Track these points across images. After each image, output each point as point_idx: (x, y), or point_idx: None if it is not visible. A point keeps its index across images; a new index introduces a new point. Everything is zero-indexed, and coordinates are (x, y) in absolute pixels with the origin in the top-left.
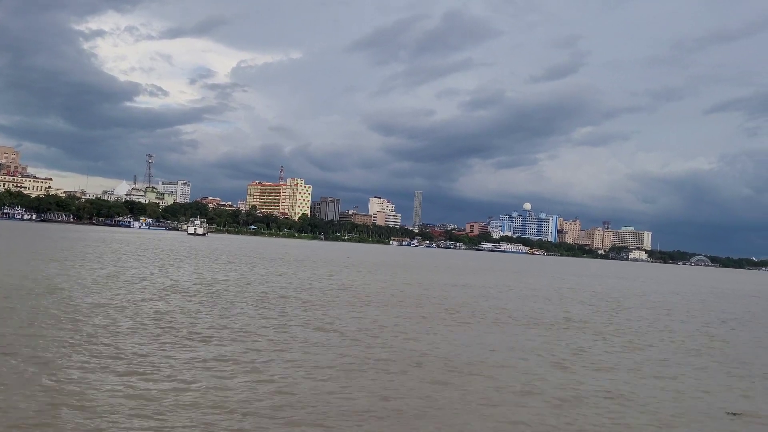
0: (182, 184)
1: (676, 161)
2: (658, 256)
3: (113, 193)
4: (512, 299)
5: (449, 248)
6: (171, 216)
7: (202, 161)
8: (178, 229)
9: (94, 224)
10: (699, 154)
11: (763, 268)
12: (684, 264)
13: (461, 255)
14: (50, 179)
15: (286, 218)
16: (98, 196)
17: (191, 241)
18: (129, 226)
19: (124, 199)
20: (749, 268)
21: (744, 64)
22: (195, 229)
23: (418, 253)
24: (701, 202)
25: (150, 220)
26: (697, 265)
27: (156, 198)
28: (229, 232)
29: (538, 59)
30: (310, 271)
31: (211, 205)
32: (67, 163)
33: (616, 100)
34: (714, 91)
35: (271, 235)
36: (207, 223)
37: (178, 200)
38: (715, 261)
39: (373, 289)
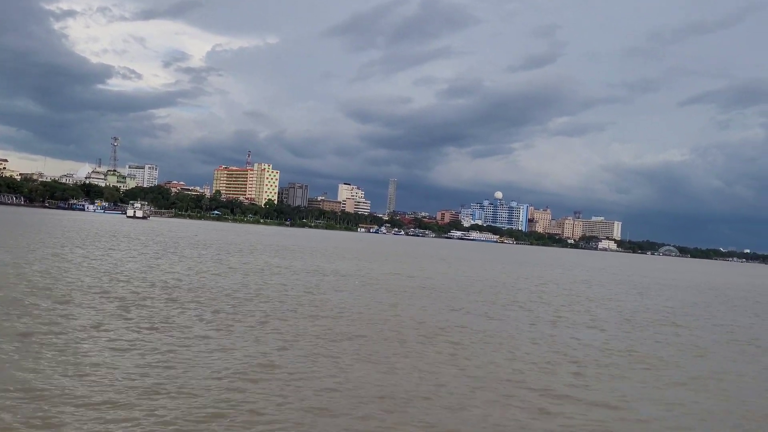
0: (149, 168)
1: (649, 152)
2: (627, 245)
3: (73, 177)
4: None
5: (418, 236)
6: (132, 200)
7: (175, 146)
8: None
9: (46, 207)
10: (672, 146)
11: (730, 259)
12: (652, 254)
13: (420, 242)
14: (5, 160)
15: (252, 204)
16: (56, 178)
17: (124, 224)
18: (83, 210)
19: (82, 182)
20: (716, 259)
21: (719, 57)
22: (135, 212)
23: (376, 240)
24: (673, 194)
25: (106, 204)
26: (666, 255)
27: (117, 182)
28: (191, 218)
29: (517, 48)
30: (197, 252)
31: (174, 190)
32: (37, 146)
33: (593, 91)
34: (689, 83)
35: (235, 221)
36: (170, 208)
37: (144, 184)
38: (684, 251)
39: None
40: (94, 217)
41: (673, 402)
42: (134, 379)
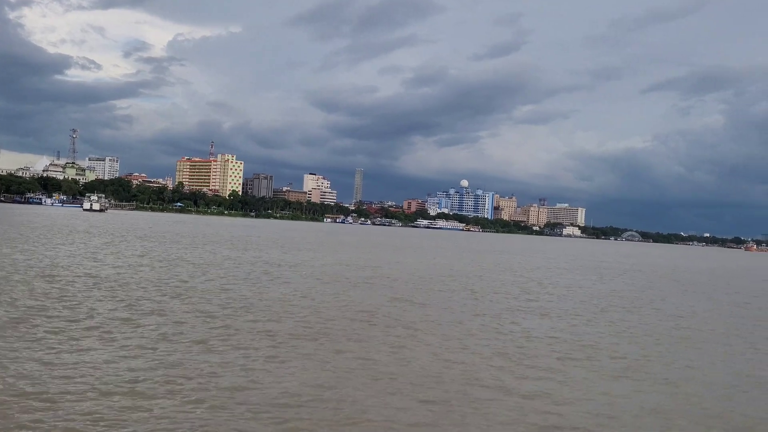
0: (110, 160)
1: (612, 140)
2: (591, 231)
3: (30, 170)
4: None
5: (384, 225)
6: (91, 193)
7: (137, 137)
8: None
9: (1, 201)
10: (634, 133)
11: (691, 243)
12: (615, 239)
13: (385, 231)
14: None
15: (216, 195)
16: (12, 172)
17: (79, 217)
18: (40, 203)
19: (40, 176)
20: (677, 243)
21: (680, 45)
22: (91, 204)
23: (340, 230)
24: (635, 180)
25: (64, 197)
26: (629, 240)
27: (77, 174)
28: (153, 210)
29: (482, 37)
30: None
31: (135, 182)
32: None
33: (557, 79)
34: (651, 70)
35: (198, 212)
36: (131, 200)
37: (105, 177)
38: (646, 236)
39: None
40: (49, 210)
41: (603, 392)
42: None
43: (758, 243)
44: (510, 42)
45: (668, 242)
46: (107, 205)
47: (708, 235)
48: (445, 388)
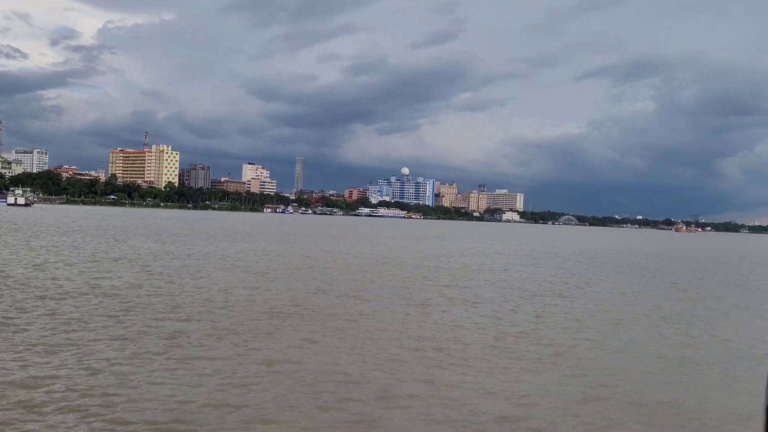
0: (39, 152)
1: (548, 126)
2: (529, 216)
3: None
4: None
5: (325, 214)
6: (17, 187)
7: (67, 128)
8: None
9: None
10: (569, 119)
11: (625, 225)
12: (553, 224)
13: (324, 221)
14: None
15: (151, 187)
16: None
17: (0, 212)
18: None
19: None
20: (612, 226)
21: (612, 32)
22: (16, 199)
23: (278, 220)
24: (571, 165)
25: None
26: (566, 224)
27: (2, 168)
28: (84, 204)
29: (419, 25)
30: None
31: (65, 175)
32: None
33: (494, 67)
34: (585, 58)
35: (133, 205)
36: (61, 194)
37: (33, 170)
38: (582, 220)
39: None
40: None
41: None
42: None
43: (687, 224)
44: (447, 30)
45: (603, 225)
46: (33, 199)
47: (641, 217)
48: (364, 381)
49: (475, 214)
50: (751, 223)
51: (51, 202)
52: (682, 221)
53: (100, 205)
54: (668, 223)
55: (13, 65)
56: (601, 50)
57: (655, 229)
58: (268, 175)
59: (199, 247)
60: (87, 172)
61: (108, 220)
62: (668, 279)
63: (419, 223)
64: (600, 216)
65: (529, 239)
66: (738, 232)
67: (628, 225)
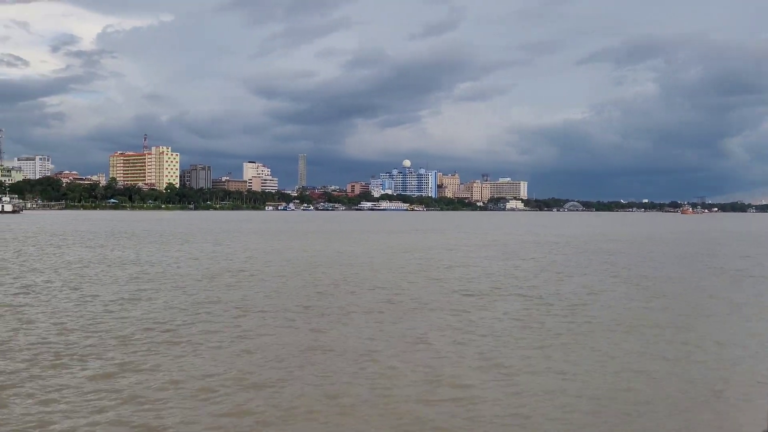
0: (41, 159)
1: (550, 112)
2: (534, 204)
3: None
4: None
5: (327, 210)
6: (18, 195)
7: (71, 135)
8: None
9: None
10: (571, 105)
11: (631, 209)
12: (558, 210)
13: (323, 216)
14: None
15: (152, 189)
16: None
17: None
18: None
19: None
20: (617, 210)
21: (611, 15)
22: (2, 207)
23: (276, 217)
24: (574, 151)
25: None
26: (571, 210)
27: (2, 175)
28: (85, 208)
29: (416, 16)
30: None
31: (66, 180)
32: None
33: (493, 55)
34: (584, 42)
35: (134, 208)
36: (61, 199)
37: (36, 177)
38: (588, 205)
39: None
40: None
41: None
42: None
43: (693, 206)
44: (445, 20)
45: (609, 210)
46: (21, 205)
47: (646, 201)
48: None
49: (478, 203)
50: (758, 203)
51: (50, 207)
52: (688, 203)
53: (100, 209)
54: (674, 206)
55: (14, 73)
56: (601, 33)
57: (661, 212)
58: (269, 173)
59: (168, 252)
60: (88, 176)
61: (96, 225)
62: (646, 270)
63: (418, 215)
64: (605, 201)
65: (523, 228)
66: (745, 212)
67: (634, 209)
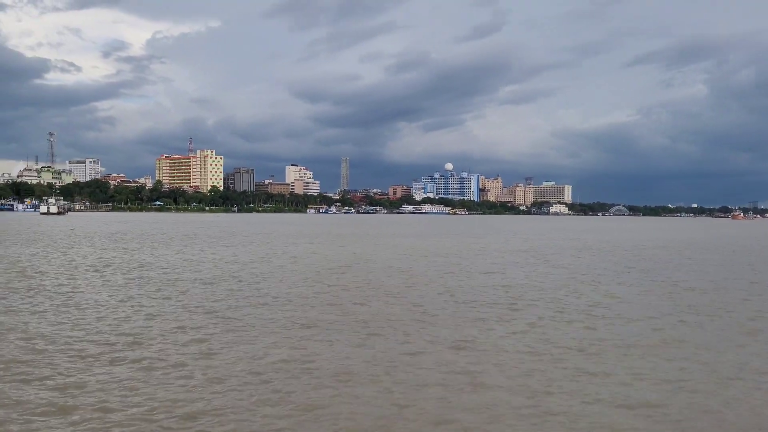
0: (91, 162)
1: (596, 115)
2: (578, 208)
3: (6, 176)
4: None
5: (369, 213)
6: (68, 196)
7: (121, 138)
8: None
9: None
10: (618, 107)
11: (679, 214)
12: (603, 214)
13: (363, 219)
14: None
15: (197, 192)
16: None
17: (27, 221)
18: (11, 209)
19: (13, 181)
20: (665, 215)
21: (660, 16)
22: (48, 208)
23: (316, 220)
24: (621, 154)
25: (36, 202)
26: (617, 214)
27: (53, 178)
28: (131, 210)
29: (461, 19)
30: None
31: (113, 183)
32: None
33: (539, 58)
34: (632, 44)
35: (178, 210)
36: (108, 201)
37: (87, 179)
38: (635, 210)
39: None
40: (7, 216)
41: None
42: None
43: (745, 211)
44: (490, 23)
45: (656, 215)
46: (66, 207)
47: (696, 205)
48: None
49: (521, 207)
50: None
51: (97, 209)
52: (739, 208)
53: (145, 211)
54: (725, 211)
55: (67, 79)
56: (649, 35)
57: (710, 217)
58: (311, 175)
59: (188, 253)
60: (135, 179)
61: (113, 226)
62: (680, 277)
63: (461, 219)
64: (653, 205)
65: (561, 233)
66: None
67: (683, 213)
